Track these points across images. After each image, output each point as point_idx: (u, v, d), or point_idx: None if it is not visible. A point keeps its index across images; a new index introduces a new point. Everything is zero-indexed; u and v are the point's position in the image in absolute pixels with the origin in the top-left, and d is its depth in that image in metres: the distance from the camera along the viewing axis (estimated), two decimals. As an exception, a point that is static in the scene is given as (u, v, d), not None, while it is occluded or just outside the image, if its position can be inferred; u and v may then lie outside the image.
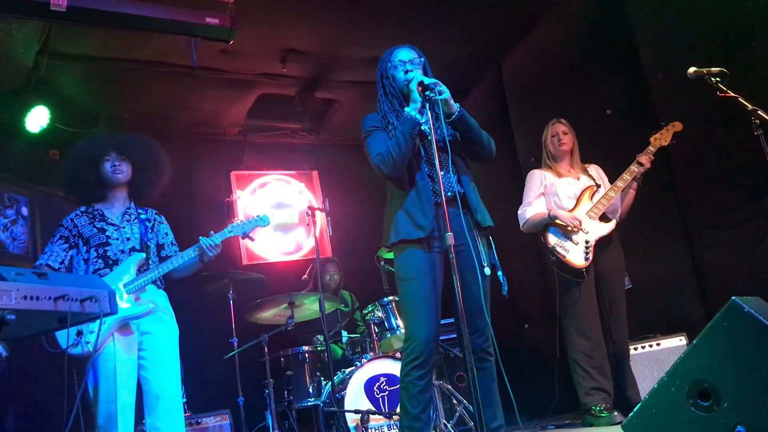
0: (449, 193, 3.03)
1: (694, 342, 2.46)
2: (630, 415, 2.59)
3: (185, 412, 4.26)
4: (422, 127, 3.04)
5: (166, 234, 3.70)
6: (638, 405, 2.58)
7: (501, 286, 3.04)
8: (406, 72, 3.06)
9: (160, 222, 3.71)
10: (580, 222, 4.19)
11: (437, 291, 3.06)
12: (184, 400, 4.40)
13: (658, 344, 4.46)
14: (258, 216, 3.67)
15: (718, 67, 3.32)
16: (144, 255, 3.44)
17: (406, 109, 2.96)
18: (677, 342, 4.41)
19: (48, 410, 4.83)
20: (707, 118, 4.28)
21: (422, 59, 3.18)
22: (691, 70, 3.36)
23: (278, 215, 7.27)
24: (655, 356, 4.44)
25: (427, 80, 2.93)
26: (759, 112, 3.10)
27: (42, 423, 4.87)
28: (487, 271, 2.94)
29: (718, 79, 3.30)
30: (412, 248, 3.05)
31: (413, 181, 3.09)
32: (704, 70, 3.34)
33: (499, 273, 3.04)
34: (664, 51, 4.70)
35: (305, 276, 6.21)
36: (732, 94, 3.22)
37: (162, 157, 3.72)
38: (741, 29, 4.14)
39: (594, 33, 5.40)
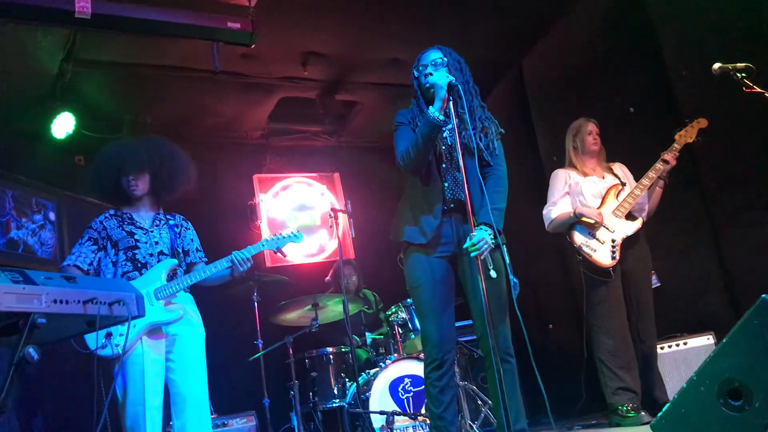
0: (460, 198, 3.05)
1: (724, 341, 2.43)
2: (659, 414, 2.56)
3: (211, 414, 4.28)
4: (443, 133, 3.08)
5: (192, 240, 3.70)
6: (667, 405, 2.54)
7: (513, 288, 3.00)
8: (426, 76, 3.06)
9: (186, 228, 3.71)
10: (602, 217, 4.16)
11: (444, 295, 3.10)
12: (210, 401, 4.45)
13: (685, 343, 4.40)
14: (292, 233, 3.71)
15: (742, 63, 3.28)
16: (176, 261, 3.46)
17: (430, 108, 2.95)
18: (704, 341, 4.35)
19: (75, 413, 4.89)
20: (732, 115, 4.22)
21: (446, 59, 3.15)
22: (716, 66, 3.30)
23: (301, 217, 7.33)
24: (683, 355, 4.38)
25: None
26: (785, 108, 3.05)
27: (70, 426, 4.93)
28: (493, 274, 2.83)
29: (743, 74, 3.23)
30: (415, 254, 3.13)
31: (428, 182, 3.11)
32: (729, 66, 3.26)
33: (511, 276, 2.97)
34: (687, 48, 4.64)
35: (328, 278, 6.23)
36: (758, 90, 3.16)
37: (178, 160, 3.63)
38: (765, 25, 4.08)
39: (615, 31, 5.34)
